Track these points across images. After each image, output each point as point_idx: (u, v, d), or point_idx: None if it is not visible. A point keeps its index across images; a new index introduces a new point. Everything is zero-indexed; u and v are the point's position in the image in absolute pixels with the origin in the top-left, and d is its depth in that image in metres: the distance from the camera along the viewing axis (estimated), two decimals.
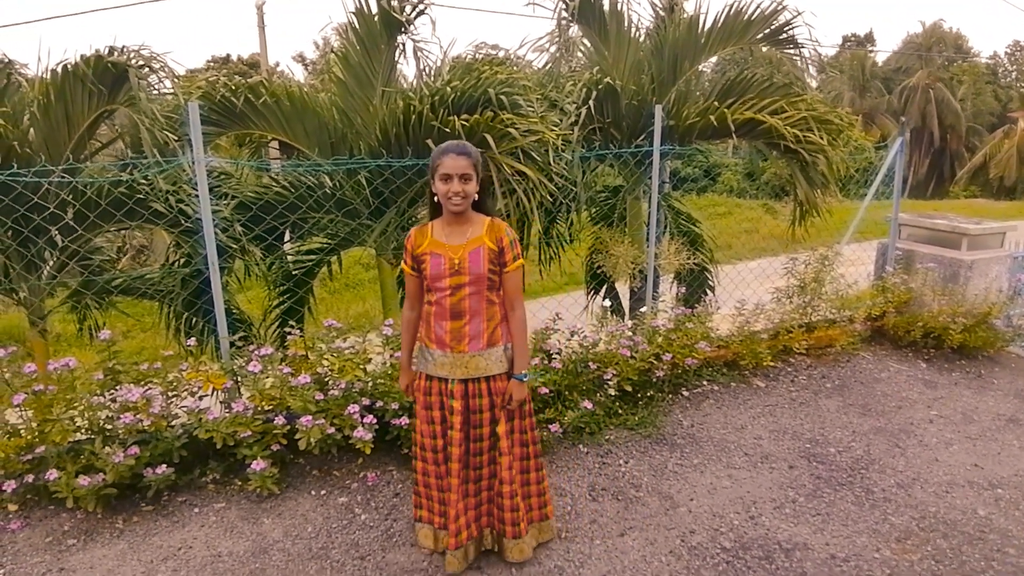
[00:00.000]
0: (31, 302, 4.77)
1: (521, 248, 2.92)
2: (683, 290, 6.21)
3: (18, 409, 3.56)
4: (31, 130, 4.49)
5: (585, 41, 6.80)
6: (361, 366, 4.02)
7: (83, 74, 4.32)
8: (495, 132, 4.44)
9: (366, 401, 3.82)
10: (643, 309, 5.34)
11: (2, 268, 4.47)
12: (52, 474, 3.37)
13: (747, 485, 3.84)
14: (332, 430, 3.67)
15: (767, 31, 6.34)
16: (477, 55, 5.49)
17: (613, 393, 4.36)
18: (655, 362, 4.67)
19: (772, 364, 5.34)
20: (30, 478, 3.44)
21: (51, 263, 4.80)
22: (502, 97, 4.57)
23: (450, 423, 2.91)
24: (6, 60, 4.85)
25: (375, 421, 3.71)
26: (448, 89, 4.56)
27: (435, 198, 2.83)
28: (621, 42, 6.45)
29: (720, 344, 5.26)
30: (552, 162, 4.61)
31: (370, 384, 3.93)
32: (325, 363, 4.04)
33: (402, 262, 3.00)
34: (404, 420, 3.78)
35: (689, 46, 6.38)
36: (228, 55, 33.60)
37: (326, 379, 3.92)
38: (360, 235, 5.25)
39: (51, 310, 5.07)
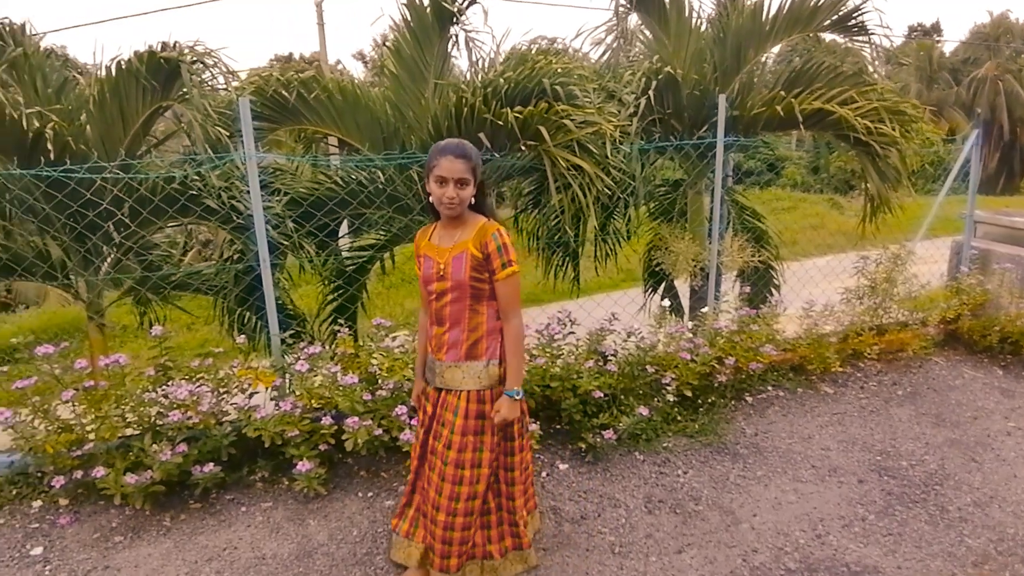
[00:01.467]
0: (88, 297, 4.82)
1: (515, 255, 2.64)
2: (747, 289, 5.93)
3: (70, 404, 3.57)
4: (87, 127, 4.52)
5: (644, 30, 6.57)
6: (410, 366, 3.91)
7: (136, 70, 4.32)
8: (550, 124, 4.26)
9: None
10: (704, 309, 5.10)
11: (60, 263, 4.51)
12: (100, 471, 3.36)
13: (814, 500, 3.60)
14: (380, 431, 3.58)
15: (835, 18, 6.00)
16: (532, 47, 5.33)
17: (672, 398, 4.14)
18: (717, 366, 4.44)
19: (841, 369, 5.05)
20: (79, 474, 3.44)
21: (108, 259, 4.84)
22: (557, 88, 4.40)
23: (420, 421, 2.86)
24: (64, 57, 4.91)
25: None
26: (501, 80, 4.40)
27: (428, 197, 2.64)
28: (682, 30, 6.20)
29: (786, 347, 4.99)
30: (610, 155, 4.40)
31: None
32: (374, 362, 3.95)
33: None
34: None
35: (753, 34, 6.09)
36: (291, 54, 34.24)
37: (376, 378, 3.83)
38: (413, 231, 5.14)
39: (109, 304, 5.12)
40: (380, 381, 3.77)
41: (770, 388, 4.88)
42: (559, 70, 4.56)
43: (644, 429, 4.04)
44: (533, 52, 4.96)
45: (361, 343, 4.20)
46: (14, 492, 3.68)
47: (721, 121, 5.18)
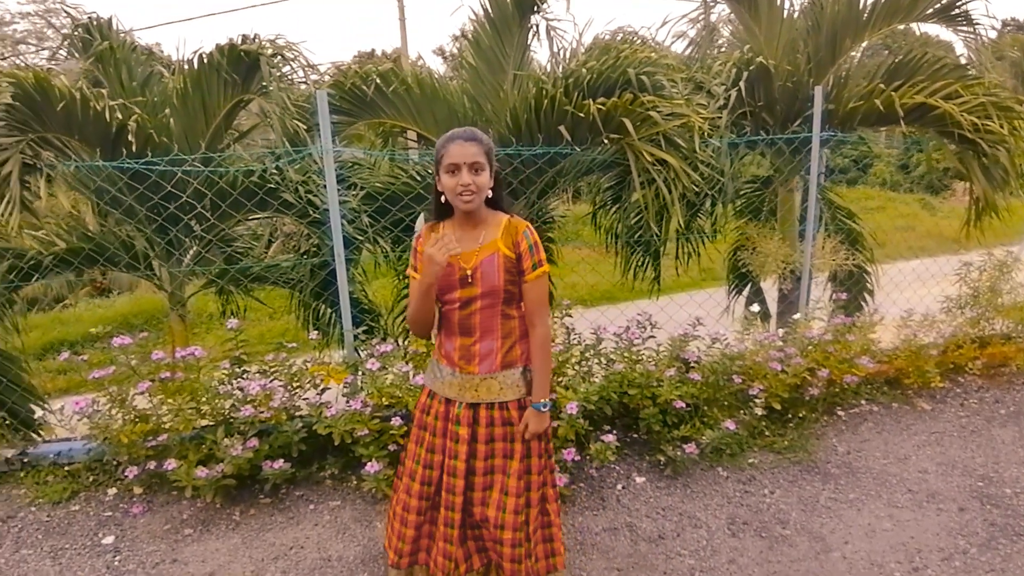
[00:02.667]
0: (171, 287, 4.90)
1: (545, 254, 2.43)
2: (840, 295, 5.56)
3: (145, 395, 3.60)
4: (171, 120, 4.57)
5: (733, 18, 6.26)
6: None
7: (218, 64, 4.34)
8: (634, 116, 4.04)
9: None
10: (796, 316, 4.78)
11: (143, 254, 4.59)
12: (171, 464, 3.37)
13: (911, 529, 3.28)
14: None
15: (937, 6, 5.57)
16: (615, 37, 5.11)
17: (760, 411, 3.87)
18: (809, 377, 4.14)
19: (940, 384, 4.67)
20: (152, 464, 3.46)
21: (190, 250, 4.90)
22: (643, 78, 4.16)
23: (453, 452, 2.47)
24: (149, 51, 5.00)
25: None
26: (583, 71, 4.21)
27: (441, 197, 2.37)
28: (774, 19, 5.88)
29: (882, 359, 4.63)
30: (698, 149, 4.15)
31: None
32: None
33: (408, 267, 2.54)
34: None
35: (850, 23, 5.72)
36: (373, 50, 34.85)
37: None
38: None
39: (190, 296, 5.20)
40: None
41: (863, 402, 4.54)
42: (646, 59, 4.33)
43: (729, 443, 3.78)
44: (617, 40, 4.74)
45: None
46: (91, 479, 3.75)
47: (817, 114, 4.89)
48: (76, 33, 4.88)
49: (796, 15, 6.12)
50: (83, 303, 13.99)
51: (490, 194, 2.36)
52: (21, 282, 4.29)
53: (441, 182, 2.32)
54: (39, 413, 4.14)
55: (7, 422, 4.03)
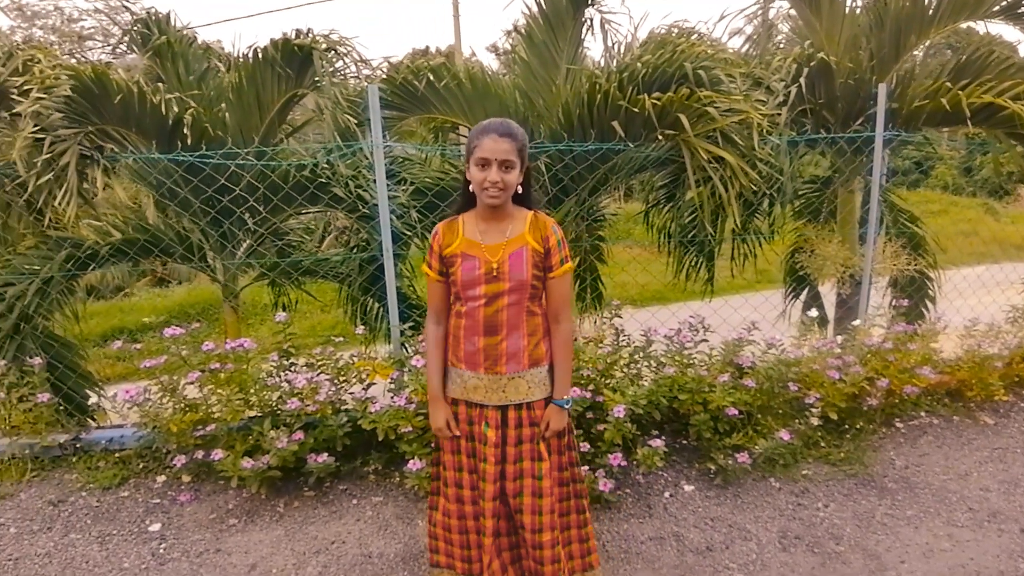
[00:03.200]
0: (224, 279, 4.95)
1: (570, 251, 2.40)
2: (901, 301, 5.33)
3: (195, 385, 3.64)
4: (226, 114, 4.62)
5: (793, 14, 6.06)
6: None
7: (272, 58, 4.37)
8: (691, 112, 3.92)
9: None
10: (856, 322, 4.59)
11: (197, 246, 4.65)
12: (218, 454, 3.39)
13: (970, 550, 3.09)
14: None
15: (1003, 4, 5.31)
16: (671, 31, 4.97)
17: (816, 421, 3.71)
18: (867, 387, 3.96)
19: (1004, 398, 4.44)
20: (200, 454, 3.49)
21: (243, 243, 4.95)
22: (700, 72, 4.03)
23: (483, 455, 2.42)
24: (206, 46, 5.06)
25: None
26: (638, 65, 4.10)
27: (468, 186, 2.33)
28: (836, 14, 5.67)
29: (944, 370, 4.41)
30: (756, 147, 4.01)
31: None
32: None
33: (424, 264, 2.48)
34: None
35: (915, 19, 5.48)
36: (427, 47, 35.05)
37: None
38: None
39: (242, 288, 5.26)
40: None
41: (923, 414, 4.34)
42: (703, 53, 4.20)
43: (782, 453, 3.64)
44: (674, 35, 4.61)
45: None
46: (141, 466, 3.81)
47: (881, 113, 4.71)
48: (136, 28, 4.96)
49: (858, 11, 5.91)
50: (143, 292, 14.44)
51: (519, 190, 2.32)
52: (78, 271, 4.38)
53: (470, 172, 2.27)
54: (93, 399, 4.22)
55: (62, 408, 4.13)
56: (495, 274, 2.29)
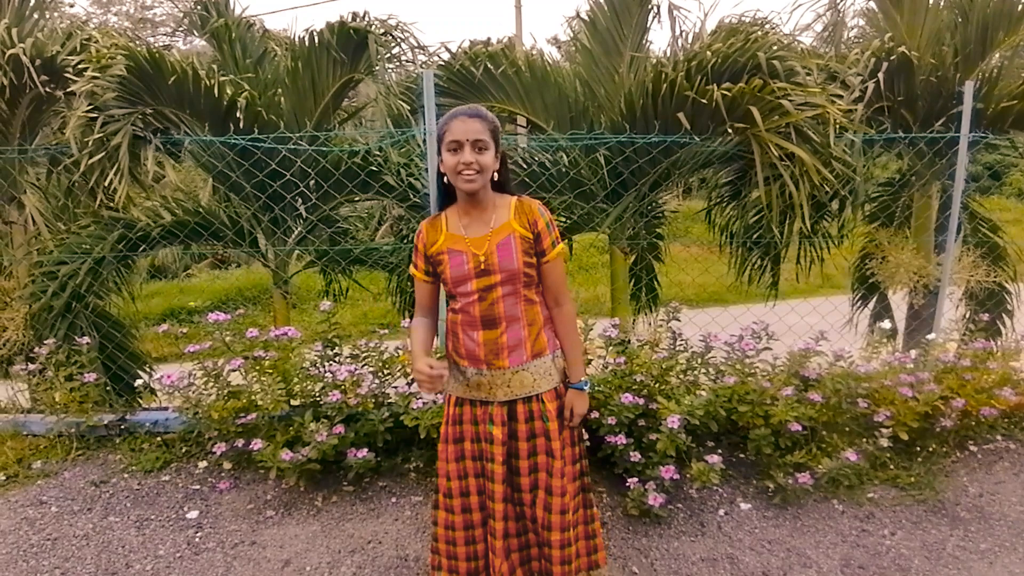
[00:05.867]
0: (275, 265, 4.92)
1: (560, 233, 2.29)
2: (982, 316, 4.98)
3: (239, 372, 3.59)
4: (281, 98, 4.57)
5: (870, 7, 5.74)
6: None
7: (328, 42, 4.29)
8: (763, 105, 3.67)
9: None
10: (930, 335, 4.28)
11: (247, 230, 4.62)
12: (258, 444, 3.33)
13: None
14: None
15: None
16: (742, 19, 4.72)
17: (885, 442, 3.45)
18: (941, 406, 3.67)
19: None
20: (240, 442, 3.43)
21: (294, 229, 4.90)
22: (775, 63, 3.78)
23: (489, 454, 2.31)
24: (264, 29, 5.02)
25: (587, 436, 3.24)
26: (708, 53, 3.86)
27: (443, 178, 2.23)
28: (918, 7, 5.32)
29: (1021, 391, 4.08)
30: (832, 144, 3.75)
31: None
32: None
33: (411, 265, 2.39)
34: (621, 438, 3.26)
35: (1003, 15, 5.10)
36: (488, 38, 35.09)
37: None
38: (594, 218, 4.77)
39: (292, 275, 5.23)
40: None
41: (999, 438, 4.01)
42: (778, 42, 3.94)
43: (847, 474, 3.39)
44: (746, 23, 4.36)
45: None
46: (183, 450, 3.79)
47: (967, 113, 4.42)
48: (196, 11, 4.96)
49: (941, 4, 5.55)
50: (204, 274, 14.78)
51: (496, 176, 2.20)
52: (130, 252, 4.39)
53: (443, 161, 2.15)
54: (139, 381, 4.23)
55: (109, 388, 4.14)
56: (484, 267, 2.19)
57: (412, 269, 2.38)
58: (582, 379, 2.34)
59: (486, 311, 2.22)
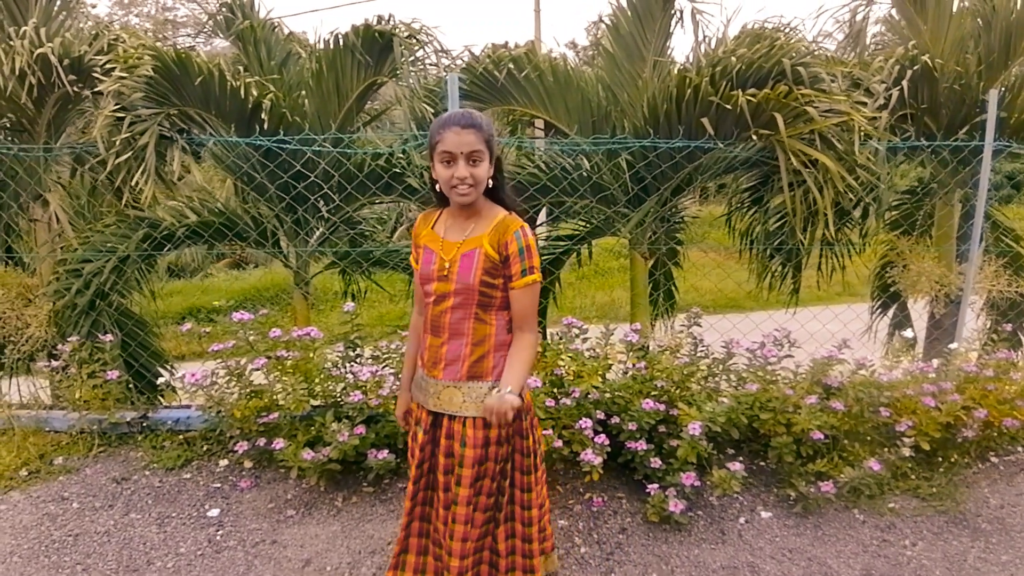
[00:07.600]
0: (296, 265, 4.95)
1: (538, 260, 2.14)
2: (1005, 326, 4.94)
3: (262, 371, 3.61)
4: (305, 100, 4.60)
5: (893, 15, 5.70)
6: (600, 373, 3.55)
7: (352, 44, 4.31)
8: (787, 111, 3.66)
9: (600, 415, 3.35)
10: (952, 345, 4.25)
11: (270, 231, 4.64)
12: (279, 443, 3.34)
13: None
14: (559, 443, 3.26)
15: None
16: (766, 25, 4.71)
17: (907, 452, 3.42)
18: (963, 417, 3.64)
19: None
20: (262, 441, 3.45)
21: (316, 230, 4.93)
22: (799, 69, 3.76)
23: (411, 452, 2.34)
24: (289, 32, 5.05)
25: (607, 442, 3.23)
26: (732, 59, 3.85)
27: (436, 185, 2.15)
28: (942, 14, 5.29)
29: None
30: (856, 151, 3.73)
31: (607, 396, 3.44)
32: (561, 363, 3.64)
33: (411, 258, 2.36)
34: (642, 444, 3.25)
35: None
36: (507, 42, 35.13)
37: (562, 382, 3.52)
38: (615, 223, 4.77)
39: (313, 275, 5.25)
40: (567, 386, 3.45)
41: (1020, 450, 3.98)
42: (803, 48, 3.93)
43: (868, 484, 3.37)
44: (771, 29, 4.35)
45: (548, 341, 3.89)
46: (205, 448, 3.81)
47: (991, 121, 4.40)
48: (221, 13, 4.99)
49: (965, 12, 5.51)
50: (222, 274, 14.90)
51: (490, 184, 2.14)
52: (154, 251, 4.43)
53: (435, 170, 2.09)
54: (161, 379, 4.26)
55: (132, 385, 4.17)
56: (445, 273, 2.15)
57: (412, 261, 2.34)
58: (508, 387, 2.07)
59: (435, 317, 2.20)
